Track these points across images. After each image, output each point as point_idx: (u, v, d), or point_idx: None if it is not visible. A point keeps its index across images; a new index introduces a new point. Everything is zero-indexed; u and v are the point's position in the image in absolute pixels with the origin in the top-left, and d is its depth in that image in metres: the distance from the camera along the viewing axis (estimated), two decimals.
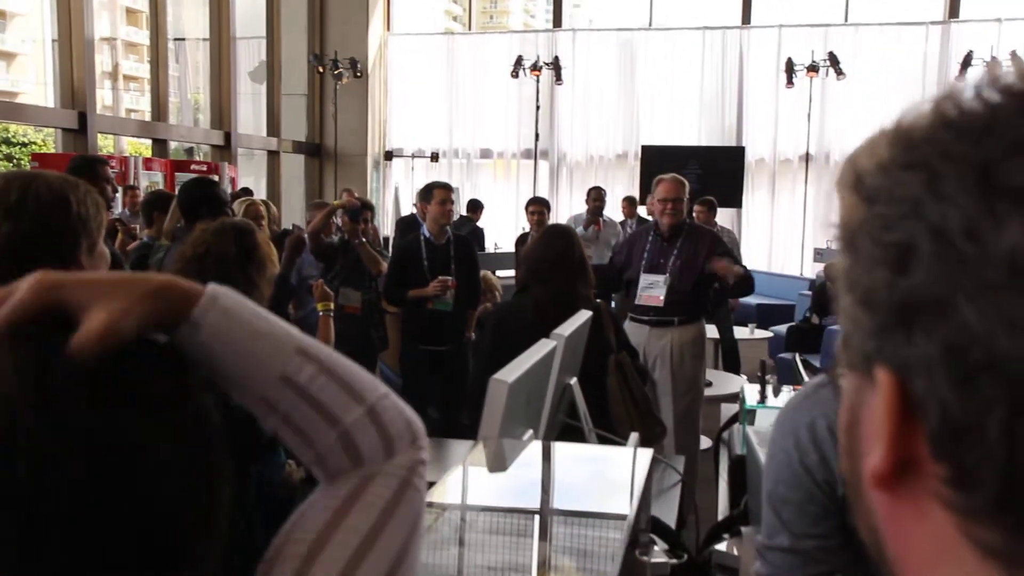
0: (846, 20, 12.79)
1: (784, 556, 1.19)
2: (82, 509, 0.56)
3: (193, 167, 9.94)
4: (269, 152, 12.76)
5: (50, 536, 0.55)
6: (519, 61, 12.17)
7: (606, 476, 2.49)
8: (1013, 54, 11.12)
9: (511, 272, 7.05)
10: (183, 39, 12.96)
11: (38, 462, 0.55)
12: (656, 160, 11.19)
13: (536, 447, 2.14)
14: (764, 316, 9.01)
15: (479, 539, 2.18)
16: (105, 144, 11.69)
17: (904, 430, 0.36)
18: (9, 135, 23.14)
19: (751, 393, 3.83)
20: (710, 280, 4.56)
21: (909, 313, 0.35)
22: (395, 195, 13.26)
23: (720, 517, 2.89)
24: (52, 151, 11.91)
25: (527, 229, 7.47)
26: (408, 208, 11.87)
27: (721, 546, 2.53)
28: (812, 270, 11.55)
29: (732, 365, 6.94)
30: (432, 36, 14.74)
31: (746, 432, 2.74)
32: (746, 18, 13.02)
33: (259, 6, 12.60)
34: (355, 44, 13.12)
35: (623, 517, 2.12)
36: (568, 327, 2.35)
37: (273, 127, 12.76)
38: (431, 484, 2.54)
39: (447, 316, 4.88)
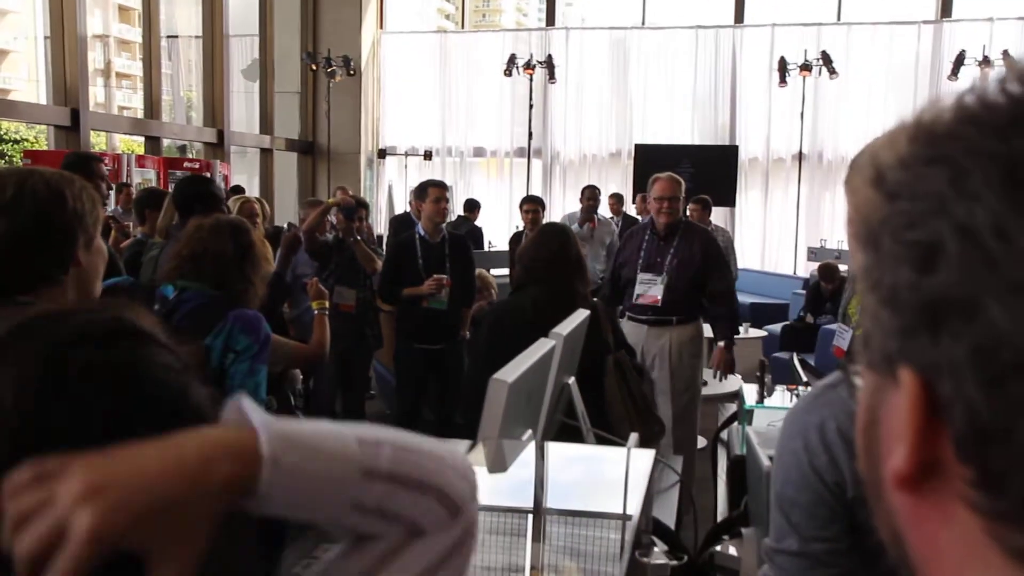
0: (839, 19, 12.82)
1: (793, 560, 1.18)
2: None
3: (186, 165, 9.90)
4: (262, 150, 12.72)
5: None
6: (512, 59, 12.15)
7: (605, 476, 2.48)
8: (1005, 53, 11.15)
9: (505, 271, 7.04)
10: (176, 36, 12.89)
11: None
12: (649, 159, 11.19)
13: (534, 446, 2.13)
14: (758, 315, 9.03)
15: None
16: (97, 141, 11.65)
17: (928, 432, 0.36)
18: (1, 132, 23.03)
19: (750, 393, 3.83)
20: (705, 280, 4.55)
21: (935, 314, 0.34)
22: (388, 193, 13.24)
23: (718, 517, 2.89)
24: (44, 148, 11.84)
25: (521, 227, 7.46)
26: (401, 206, 11.86)
27: (721, 547, 2.52)
28: (806, 269, 11.57)
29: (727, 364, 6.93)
30: (425, 34, 14.71)
31: (746, 432, 2.74)
32: (739, 17, 13.03)
33: (252, 4, 12.56)
34: (348, 42, 13.08)
35: (620, 517, 2.11)
36: (566, 326, 2.34)
37: (266, 125, 12.72)
38: None
39: (442, 315, 4.86)
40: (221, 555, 0.58)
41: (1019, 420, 0.32)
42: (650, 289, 4.53)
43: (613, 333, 3.33)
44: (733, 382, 5.06)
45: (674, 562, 2.15)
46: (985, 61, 11.29)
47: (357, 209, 5.29)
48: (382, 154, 14.02)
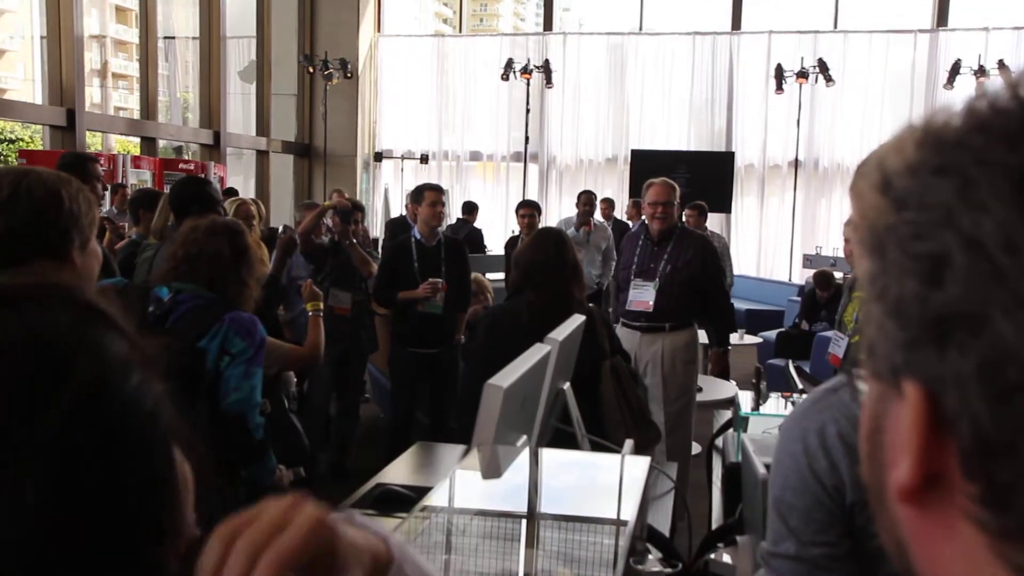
0: (835, 27, 12.86)
1: (790, 564, 1.18)
2: None
3: (181, 166, 9.88)
4: (258, 152, 12.71)
5: None
6: (509, 64, 12.16)
7: (599, 482, 2.47)
8: (1001, 63, 11.20)
9: (501, 275, 7.04)
10: (173, 37, 12.87)
11: None
12: (645, 164, 11.20)
13: (528, 452, 2.13)
14: (753, 322, 9.04)
15: (469, 543, 2.16)
16: (93, 142, 11.62)
17: (933, 445, 0.35)
18: None
19: (745, 400, 3.83)
20: (700, 285, 4.55)
21: (942, 328, 0.34)
22: (384, 196, 13.24)
23: (713, 525, 2.88)
24: (40, 148, 11.81)
25: (517, 232, 7.46)
26: (397, 210, 11.86)
27: (715, 555, 2.52)
28: (801, 276, 11.59)
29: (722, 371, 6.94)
30: (422, 38, 14.72)
31: (741, 439, 2.73)
32: (736, 24, 13.06)
33: (249, 5, 12.55)
34: (345, 45, 13.08)
35: (615, 522, 2.10)
36: (562, 332, 2.33)
37: (262, 127, 12.71)
38: (423, 489, 2.52)
39: (437, 319, 4.86)
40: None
41: None
42: (642, 295, 4.52)
43: (609, 339, 3.33)
44: (728, 388, 5.05)
45: (668, 570, 2.14)
46: (980, 71, 11.34)
47: (353, 212, 5.28)
48: (378, 157, 14.02)
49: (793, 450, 1.17)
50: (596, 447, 2.61)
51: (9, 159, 20.15)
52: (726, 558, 2.50)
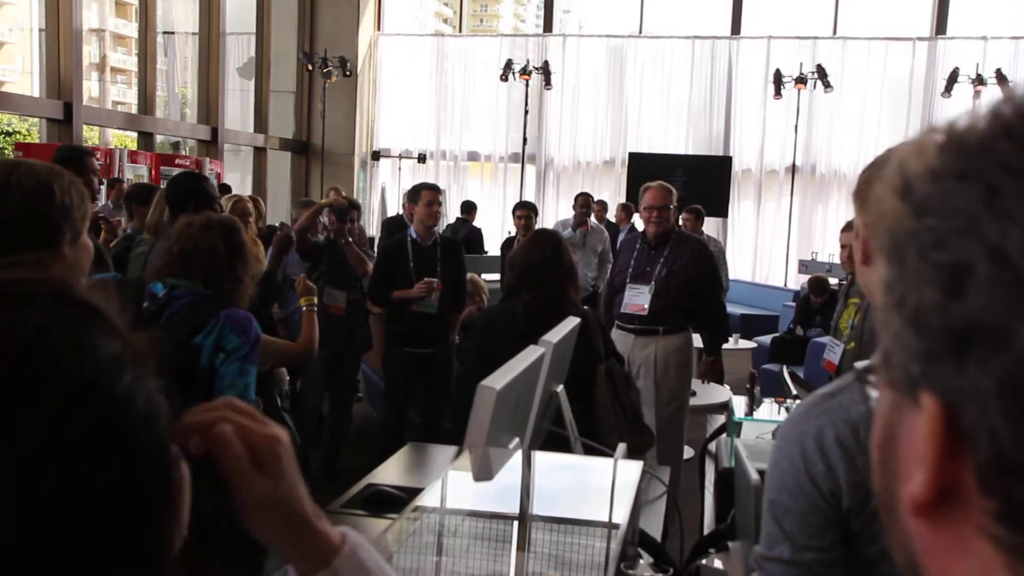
0: (834, 33, 12.88)
1: (783, 568, 1.17)
2: None
3: (177, 161, 9.86)
4: (256, 148, 12.69)
5: None
6: (509, 65, 12.16)
7: (592, 485, 2.47)
8: (999, 72, 11.23)
9: (497, 275, 7.03)
10: (172, 33, 12.85)
11: None
12: (643, 167, 11.21)
13: (521, 455, 2.12)
14: (748, 327, 9.04)
15: (460, 544, 2.15)
16: (90, 136, 11.59)
17: (949, 459, 0.34)
18: None
19: (739, 405, 3.82)
20: (695, 290, 4.54)
21: (962, 341, 0.33)
22: (382, 195, 13.23)
23: (705, 530, 2.88)
24: (36, 141, 11.79)
25: (513, 233, 7.46)
26: (394, 209, 11.85)
27: (707, 560, 2.51)
28: (796, 281, 11.60)
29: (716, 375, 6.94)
30: (422, 37, 14.71)
31: (734, 445, 2.73)
32: (735, 29, 13.08)
33: (249, 2, 12.54)
34: (345, 43, 13.07)
35: (607, 525, 2.10)
36: (556, 334, 2.33)
37: (261, 123, 12.69)
38: (414, 490, 2.52)
39: (431, 318, 4.85)
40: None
41: None
42: (637, 298, 4.52)
43: (604, 342, 3.32)
44: (722, 393, 5.05)
45: (660, 574, 2.14)
46: (979, 79, 11.36)
47: (349, 210, 5.27)
48: (376, 156, 14.01)
49: (790, 454, 1.17)
50: (589, 450, 2.61)
51: (6, 152, 20.09)
52: (718, 564, 2.49)
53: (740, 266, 12.42)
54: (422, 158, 13.35)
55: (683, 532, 2.90)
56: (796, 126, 12.16)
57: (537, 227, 6.94)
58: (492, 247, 10.00)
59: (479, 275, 6.09)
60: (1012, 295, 0.31)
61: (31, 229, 1.51)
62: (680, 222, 6.79)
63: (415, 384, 5.01)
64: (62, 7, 8.68)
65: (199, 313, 2.46)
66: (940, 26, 12.57)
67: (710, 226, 9.80)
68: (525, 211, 7.08)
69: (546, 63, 12.49)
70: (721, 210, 11.75)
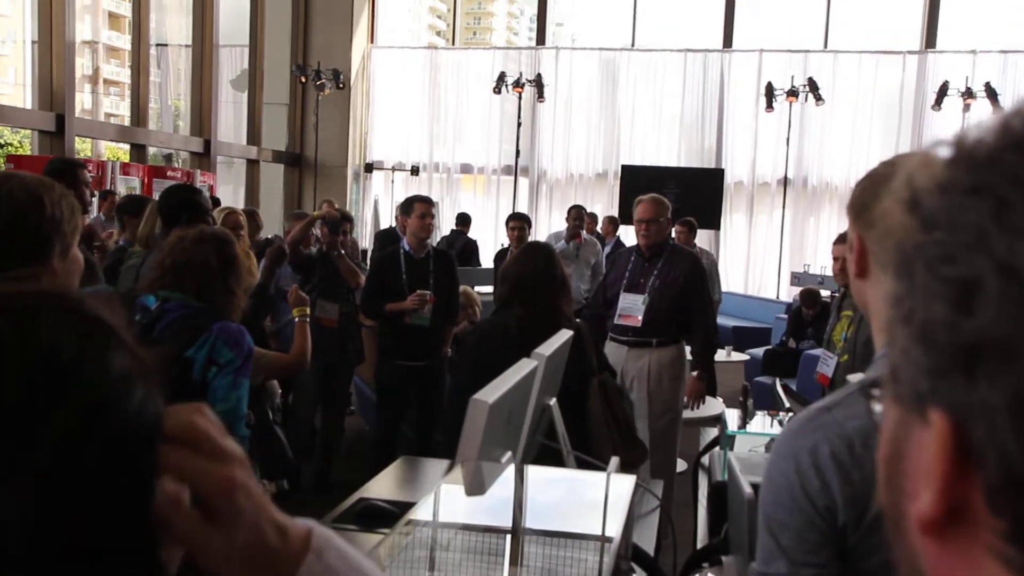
0: (825, 47, 12.95)
1: None
2: None
3: (169, 173, 9.85)
4: (248, 161, 12.68)
5: None
6: (502, 77, 12.20)
7: (585, 499, 2.46)
8: (987, 86, 11.32)
9: (490, 288, 7.03)
10: (165, 45, 12.87)
11: None
12: (636, 180, 11.23)
13: (513, 468, 2.12)
14: (740, 339, 9.05)
15: (453, 559, 2.14)
16: (83, 148, 11.58)
17: (957, 477, 0.34)
18: None
19: (732, 418, 3.82)
20: (688, 303, 4.55)
21: (972, 357, 0.32)
22: (375, 208, 13.23)
23: (699, 543, 2.87)
24: (28, 153, 11.76)
25: (506, 245, 7.46)
26: (387, 221, 11.85)
27: (700, 574, 2.50)
28: (788, 294, 11.62)
29: (709, 388, 6.94)
30: (415, 50, 14.74)
31: (728, 458, 2.72)
32: (727, 42, 13.15)
33: (243, 14, 12.55)
34: (338, 55, 13.09)
35: (600, 538, 2.09)
36: (549, 347, 2.32)
37: (253, 135, 12.69)
38: (406, 504, 2.50)
39: (424, 331, 4.83)
40: None
41: None
42: (631, 309, 4.53)
43: (597, 355, 3.32)
44: (715, 406, 5.05)
45: None
46: (968, 93, 11.44)
47: (341, 223, 5.27)
48: (369, 168, 14.01)
49: (785, 469, 1.17)
50: (582, 464, 2.60)
51: None
52: None
53: (732, 278, 12.45)
54: (415, 170, 13.36)
55: (676, 546, 2.89)
56: (788, 139, 12.22)
57: (530, 239, 6.95)
58: (486, 259, 10.01)
59: (473, 287, 6.09)
60: (1022, 311, 0.31)
61: (21, 242, 1.50)
62: (673, 235, 6.81)
63: (408, 397, 4.99)
64: (55, 19, 8.67)
65: (191, 326, 2.45)
66: (930, 40, 12.67)
67: (702, 238, 9.83)
68: (519, 222, 7.09)
69: (539, 76, 12.53)
70: (713, 222, 11.78)
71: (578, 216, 7.72)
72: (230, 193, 12.84)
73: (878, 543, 1.11)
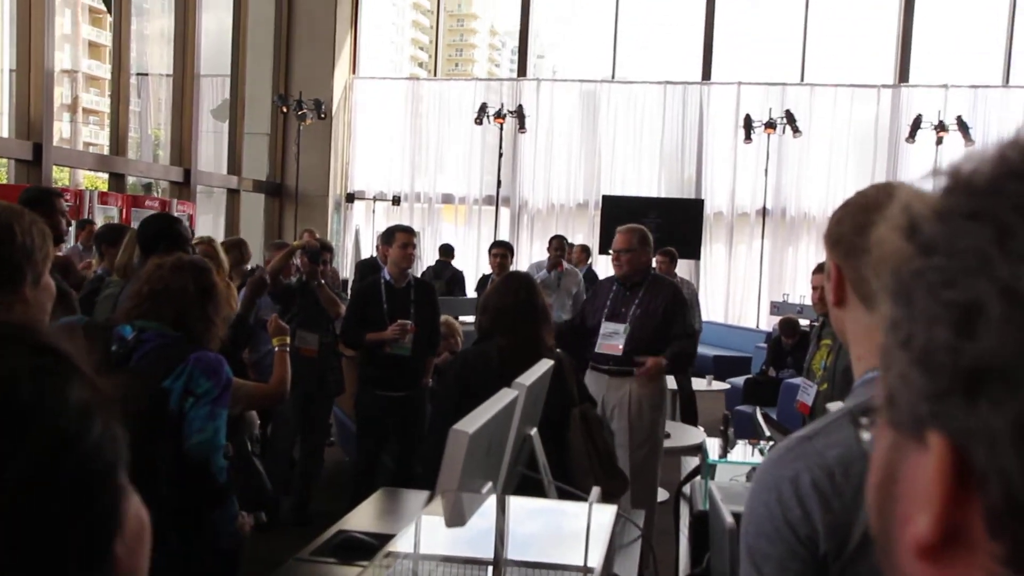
0: (802, 80, 13.16)
1: None
2: None
3: (147, 203, 9.80)
4: (229, 190, 12.65)
5: None
6: (483, 108, 12.28)
7: (566, 529, 2.44)
8: (959, 120, 11.53)
9: (472, 318, 7.01)
10: (146, 74, 12.86)
11: None
12: (616, 210, 11.31)
13: (495, 499, 2.10)
14: (721, 368, 9.07)
15: None
16: (61, 177, 11.51)
17: (956, 500, 0.34)
18: None
19: (712, 447, 3.81)
20: (668, 331, 4.55)
21: (974, 381, 0.32)
22: (356, 237, 13.21)
23: (680, 573, 2.85)
24: (4, 182, 11.67)
25: (488, 272, 7.47)
26: (368, 251, 11.83)
27: None
28: (768, 323, 11.69)
29: (690, 416, 6.95)
30: (397, 80, 14.82)
31: (709, 487, 2.72)
32: (706, 74, 13.32)
33: (224, 44, 12.59)
34: (320, 85, 13.14)
35: (582, 569, 2.07)
36: (530, 376, 2.32)
37: (234, 165, 12.67)
38: (386, 536, 2.47)
39: (405, 361, 4.81)
40: None
41: None
42: (612, 338, 4.53)
43: (577, 385, 3.31)
44: (696, 435, 5.04)
45: None
46: (940, 126, 11.64)
47: (321, 252, 5.25)
48: (350, 198, 14.02)
49: (766, 499, 1.16)
50: (563, 494, 2.58)
51: None
52: None
53: (712, 308, 12.51)
54: (396, 200, 13.38)
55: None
56: (766, 170, 12.36)
57: (512, 268, 6.96)
58: (471, 289, 10.01)
59: (457, 317, 6.07)
60: None
61: None
62: (654, 264, 6.84)
63: (388, 427, 4.95)
64: (34, 48, 8.66)
65: (168, 356, 2.42)
66: (903, 74, 12.91)
67: (682, 268, 9.88)
68: (501, 250, 7.10)
69: (520, 107, 12.62)
70: (693, 252, 11.86)
71: (559, 246, 7.75)
72: (210, 222, 12.79)
73: (860, 573, 1.11)
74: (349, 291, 7.42)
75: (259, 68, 13.12)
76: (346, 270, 12.34)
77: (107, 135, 11.56)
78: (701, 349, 7.18)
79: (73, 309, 3.26)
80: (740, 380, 8.07)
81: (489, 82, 15.43)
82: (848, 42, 13.88)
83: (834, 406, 1.39)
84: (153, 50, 12.91)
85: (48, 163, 8.80)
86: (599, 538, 2.17)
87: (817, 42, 13.32)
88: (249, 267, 5.76)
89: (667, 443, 4.83)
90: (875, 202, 1.22)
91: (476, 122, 12.37)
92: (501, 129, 12.22)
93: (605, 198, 12.37)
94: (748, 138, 12.24)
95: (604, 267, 9.70)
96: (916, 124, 11.75)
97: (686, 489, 3.83)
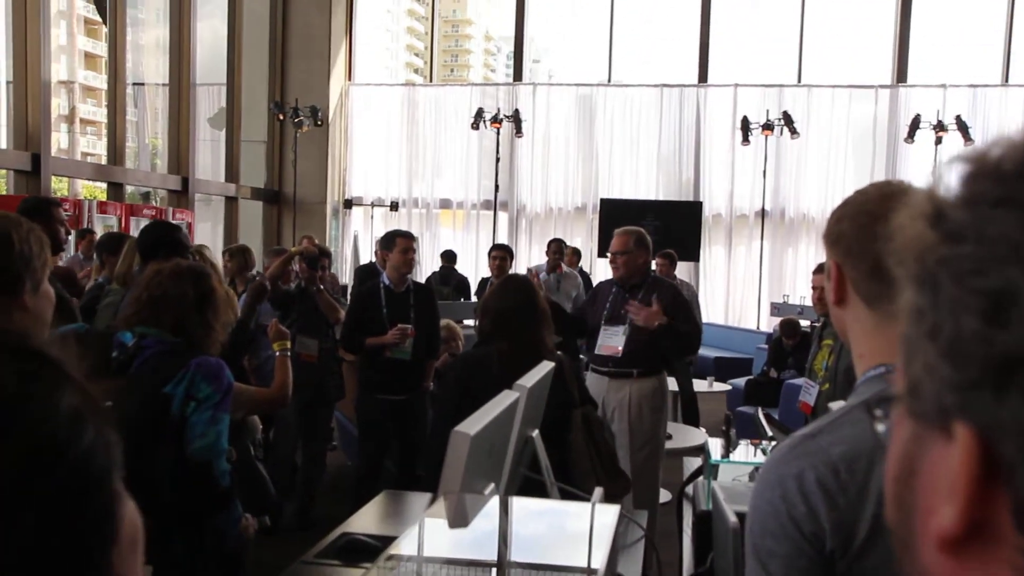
0: (799, 81, 13.17)
1: None
2: None
3: (145, 212, 9.80)
4: (227, 198, 12.66)
5: None
6: (480, 113, 12.29)
7: (569, 530, 2.44)
8: (958, 119, 11.53)
9: (471, 321, 7.02)
10: (142, 84, 12.87)
11: None
12: (614, 213, 11.32)
13: (498, 500, 2.10)
14: (722, 369, 9.07)
15: None
16: (59, 187, 11.51)
17: (982, 492, 0.33)
18: None
19: (715, 447, 3.81)
20: (667, 333, 4.54)
21: (1004, 370, 0.32)
22: (354, 243, 13.22)
23: (684, 574, 2.85)
24: (3, 193, 11.67)
25: (487, 275, 7.47)
26: (366, 256, 11.83)
27: None
28: (769, 324, 11.69)
29: (691, 418, 6.95)
30: (393, 87, 14.84)
31: (712, 487, 2.71)
32: (703, 77, 13.34)
33: (220, 52, 12.60)
34: (316, 93, 13.15)
35: (584, 571, 2.07)
36: (531, 378, 2.32)
37: (232, 173, 12.68)
38: (389, 538, 2.47)
39: (405, 365, 4.81)
40: None
41: None
42: (612, 339, 4.53)
43: (578, 387, 3.31)
44: (698, 435, 5.03)
45: None
46: (939, 126, 11.65)
47: (320, 258, 5.25)
48: (348, 204, 14.03)
49: (771, 496, 1.16)
50: (566, 495, 2.58)
51: None
52: None
53: (713, 310, 12.51)
54: (394, 206, 13.39)
55: None
56: (764, 171, 12.37)
57: (511, 271, 6.96)
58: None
59: (460, 321, 6.07)
60: None
61: None
62: (654, 267, 6.84)
63: (389, 431, 4.95)
64: (30, 60, 8.67)
65: (169, 362, 2.42)
66: (901, 74, 12.92)
67: (682, 270, 9.88)
68: (501, 252, 7.11)
69: (517, 111, 12.64)
70: (693, 254, 11.86)
71: (558, 249, 7.76)
72: (209, 230, 12.79)
73: (867, 569, 1.11)
74: (348, 297, 7.42)
75: (255, 76, 13.13)
76: (345, 276, 12.34)
77: (105, 145, 11.57)
78: (702, 351, 7.18)
79: (74, 317, 3.26)
80: (741, 381, 8.07)
81: (485, 87, 15.43)
82: (845, 42, 13.89)
83: (836, 405, 1.39)
84: (149, 60, 12.92)
85: (47, 173, 8.80)
86: (602, 539, 2.17)
87: (814, 43, 13.34)
88: (252, 273, 5.79)
89: (669, 444, 4.83)
90: (875, 201, 1.22)
91: (473, 127, 12.38)
92: (498, 134, 12.23)
93: (603, 201, 12.38)
94: (746, 140, 12.25)
95: (604, 270, 9.71)
96: (915, 124, 11.76)
97: (689, 490, 3.83)
